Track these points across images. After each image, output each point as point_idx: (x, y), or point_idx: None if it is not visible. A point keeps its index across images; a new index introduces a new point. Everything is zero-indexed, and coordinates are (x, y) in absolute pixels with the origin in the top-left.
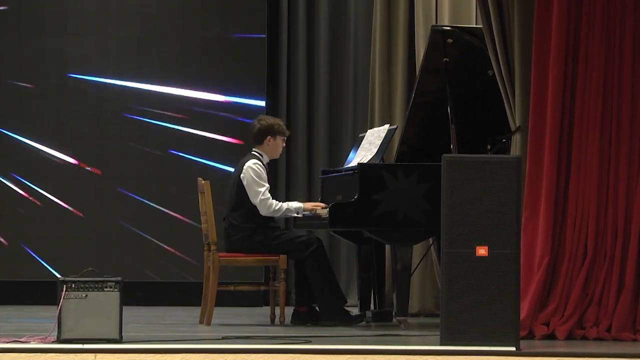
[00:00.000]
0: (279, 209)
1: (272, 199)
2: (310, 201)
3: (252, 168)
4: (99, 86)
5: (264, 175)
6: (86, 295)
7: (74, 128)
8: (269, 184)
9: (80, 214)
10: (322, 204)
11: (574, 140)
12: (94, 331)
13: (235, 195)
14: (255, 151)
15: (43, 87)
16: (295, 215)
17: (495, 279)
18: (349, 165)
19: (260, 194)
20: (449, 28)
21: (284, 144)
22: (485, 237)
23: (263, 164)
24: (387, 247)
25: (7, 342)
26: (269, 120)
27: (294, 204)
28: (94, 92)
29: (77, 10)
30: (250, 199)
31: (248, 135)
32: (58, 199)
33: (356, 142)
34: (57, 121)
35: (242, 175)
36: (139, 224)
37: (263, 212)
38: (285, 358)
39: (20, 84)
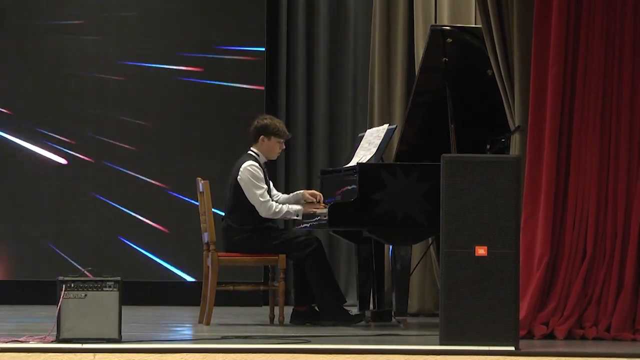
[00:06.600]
0: (279, 211)
1: (272, 200)
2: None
3: (249, 170)
4: None
5: (261, 175)
6: (85, 295)
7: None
8: (267, 183)
9: (78, 214)
10: (320, 193)
11: (574, 140)
12: (93, 331)
13: (232, 196)
14: (252, 150)
15: None
16: (295, 218)
17: (494, 278)
18: (348, 165)
19: (259, 195)
20: (448, 28)
21: (283, 146)
22: (485, 236)
23: (260, 164)
24: (387, 246)
25: (6, 342)
26: (267, 120)
27: (294, 207)
28: None
29: None
30: (249, 200)
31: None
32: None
33: (356, 143)
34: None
35: (239, 177)
36: (138, 223)
37: (263, 213)
38: (284, 358)
39: None
